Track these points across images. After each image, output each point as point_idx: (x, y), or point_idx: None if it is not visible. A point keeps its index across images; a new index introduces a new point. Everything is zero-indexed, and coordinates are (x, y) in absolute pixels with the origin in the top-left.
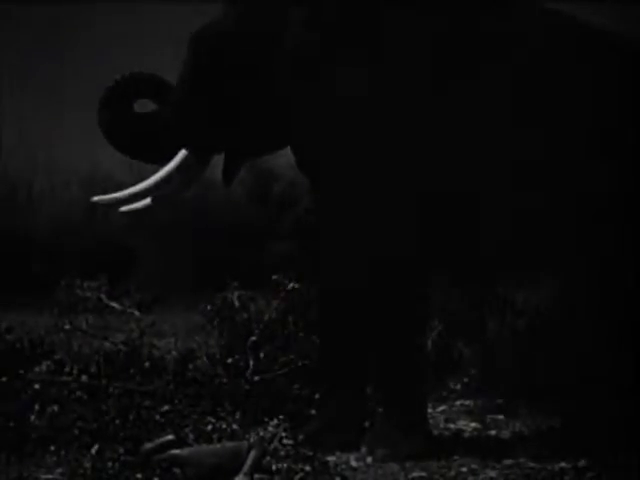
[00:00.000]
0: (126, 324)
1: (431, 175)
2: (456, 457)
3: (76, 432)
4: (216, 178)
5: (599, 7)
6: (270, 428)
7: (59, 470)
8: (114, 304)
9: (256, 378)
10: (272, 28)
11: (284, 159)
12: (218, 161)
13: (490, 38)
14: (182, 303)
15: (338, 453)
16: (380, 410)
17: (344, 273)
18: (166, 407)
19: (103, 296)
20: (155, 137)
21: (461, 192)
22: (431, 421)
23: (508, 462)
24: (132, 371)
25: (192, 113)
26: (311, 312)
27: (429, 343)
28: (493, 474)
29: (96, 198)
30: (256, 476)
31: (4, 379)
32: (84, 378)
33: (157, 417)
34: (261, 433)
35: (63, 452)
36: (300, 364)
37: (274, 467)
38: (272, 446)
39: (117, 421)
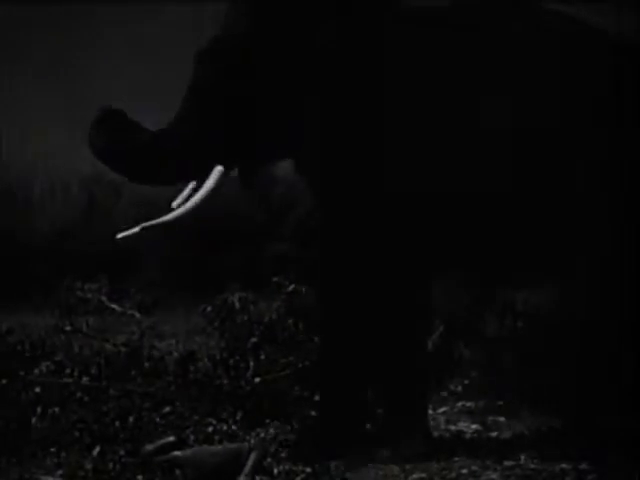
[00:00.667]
0: (127, 326)
1: (431, 175)
2: (457, 459)
3: (77, 434)
4: None
5: (599, 7)
6: (271, 430)
7: (60, 472)
8: (115, 306)
9: (257, 380)
10: (294, 40)
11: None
12: None
13: (490, 38)
14: (183, 305)
15: (338, 455)
16: (381, 412)
17: (345, 275)
18: (167, 409)
19: (104, 298)
20: (175, 158)
21: (461, 192)
22: (432, 423)
23: (509, 463)
24: (133, 373)
25: (216, 128)
26: (312, 314)
27: (429, 344)
28: (494, 476)
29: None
30: (257, 478)
31: (4, 381)
32: (85, 380)
33: (158, 419)
34: (262, 435)
35: (64, 454)
36: (301, 366)
37: (275, 469)
38: (273, 448)
39: (118, 422)
